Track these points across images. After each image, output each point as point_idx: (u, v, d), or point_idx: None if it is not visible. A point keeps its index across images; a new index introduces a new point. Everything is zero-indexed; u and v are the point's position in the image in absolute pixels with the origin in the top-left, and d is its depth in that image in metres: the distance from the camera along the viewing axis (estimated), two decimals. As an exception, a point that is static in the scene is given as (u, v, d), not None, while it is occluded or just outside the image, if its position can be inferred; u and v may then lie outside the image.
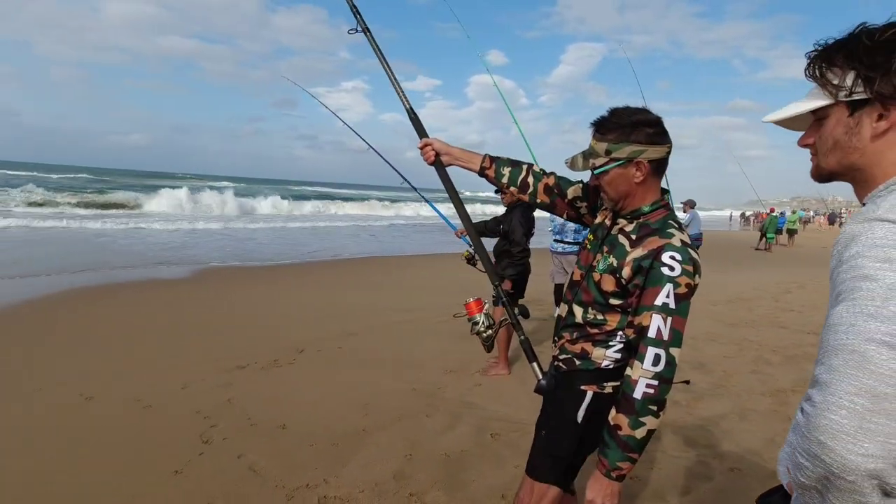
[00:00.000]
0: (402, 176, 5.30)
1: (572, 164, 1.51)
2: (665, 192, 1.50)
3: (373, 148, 5.21)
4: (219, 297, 7.12)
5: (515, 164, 1.79)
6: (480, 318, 1.84)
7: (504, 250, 4.25)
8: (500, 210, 4.93)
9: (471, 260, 4.83)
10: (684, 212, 11.96)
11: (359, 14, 2.06)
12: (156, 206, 23.14)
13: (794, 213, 25.33)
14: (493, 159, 1.81)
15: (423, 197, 5.50)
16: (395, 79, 1.97)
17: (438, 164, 1.87)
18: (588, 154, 1.48)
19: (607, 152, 1.43)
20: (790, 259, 15.89)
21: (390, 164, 5.19)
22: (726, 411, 3.72)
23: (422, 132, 1.93)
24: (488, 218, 4.94)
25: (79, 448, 3.03)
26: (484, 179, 1.85)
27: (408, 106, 1.96)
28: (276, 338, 5.29)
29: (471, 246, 4.87)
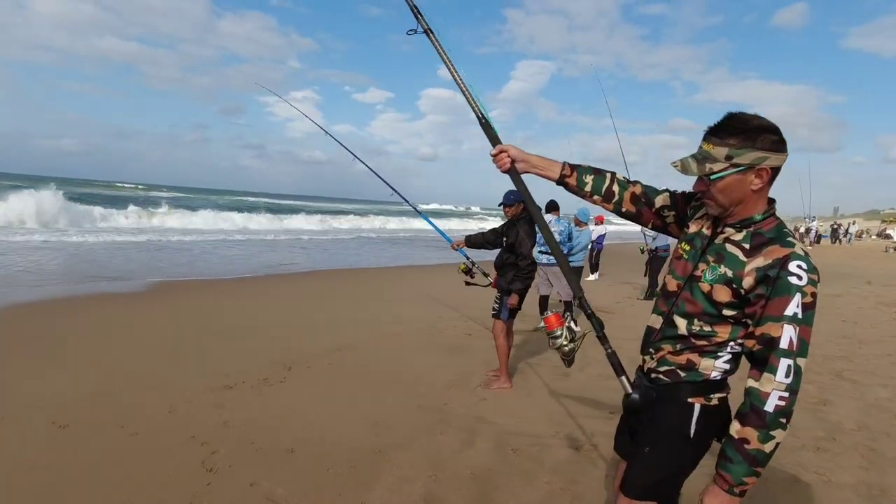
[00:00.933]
0: (394, 190, 5.20)
1: (683, 168, 1.44)
2: (772, 201, 1.48)
3: (369, 167, 5.09)
4: (182, 313, 6.68)
5: (598, 173, 1.74)
6: (562, 331, 1.77)
7: (510, 263, 4.17)
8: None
9: (469, 272, 4.76)
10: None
11: (420, 15, 1.98)
12: (91, 216, 21.60)
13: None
14: (574, 167, 1.75)
15: (416, 210, 5.40)
16: (464, 83, 1.90)
17: (513, 172, 1.80)
18: (702, 158, 1.42)
19: (728, 157, 1.38)
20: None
21: (388, 184, 5.10)
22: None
23: (495, 139, 1.85)
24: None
25: (61, 486, 2.68)
26: (562, 188, 1.79)
27: (479, 113, 1.88)
28: (258, 354, 5.01)
29: (468, 258, 4.81)
